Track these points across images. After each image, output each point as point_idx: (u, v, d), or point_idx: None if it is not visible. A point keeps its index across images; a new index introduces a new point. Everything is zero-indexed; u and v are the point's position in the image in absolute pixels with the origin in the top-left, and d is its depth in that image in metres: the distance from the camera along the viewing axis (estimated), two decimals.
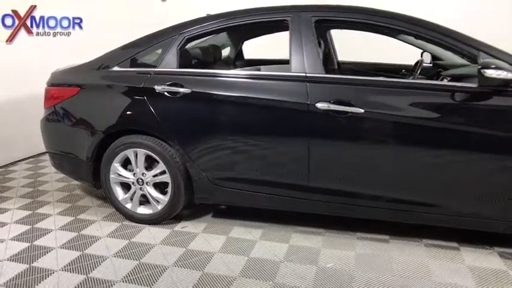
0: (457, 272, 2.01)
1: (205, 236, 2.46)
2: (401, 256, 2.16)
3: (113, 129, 2.51)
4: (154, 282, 2.00)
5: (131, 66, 2.54)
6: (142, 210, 2.63)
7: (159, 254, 2.27)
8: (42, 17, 4.28)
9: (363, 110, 2.05)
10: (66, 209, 2.90)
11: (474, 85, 1.92)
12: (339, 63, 3.56)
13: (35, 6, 4.18)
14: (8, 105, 3.96)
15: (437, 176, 2.05)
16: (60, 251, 2.33)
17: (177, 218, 2.67)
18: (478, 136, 1.96)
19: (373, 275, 1.99)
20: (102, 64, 2.61)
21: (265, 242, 2.36)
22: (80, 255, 2.27)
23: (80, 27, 4.66)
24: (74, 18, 4.60)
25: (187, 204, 2.60)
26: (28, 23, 4.14)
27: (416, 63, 2.78)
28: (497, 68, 1.81)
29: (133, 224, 2.65)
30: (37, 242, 2.43)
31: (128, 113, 2.48)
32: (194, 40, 2.52)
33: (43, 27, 4.30)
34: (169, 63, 2.44)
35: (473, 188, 2.03)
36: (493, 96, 1.92)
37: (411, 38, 2.42)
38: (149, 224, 2.62)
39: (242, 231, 2.51)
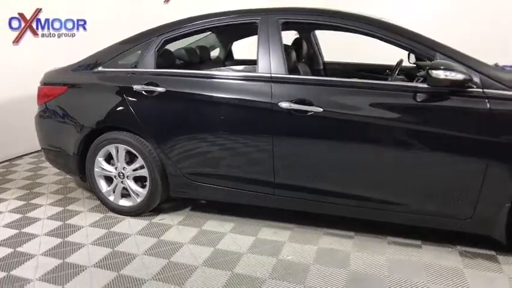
0: (412, 268, 2.07)
1: (179, 228, 2.59)
2: (363, 253, 2.22)
3: (95, 126, 2.68)
4: (122, 268, 2.15)
5: (113, 67, 2.69)
6: (124, 202, 2.78)
7: (132, 243, 2.42)
8: (47, 20, 4.51)
9: (321, 109, 2.13)
10: (57, 200, 3.09)
11: (425, 85, 1.97)
12: (324, 63, 3.63)
13: (41, 9, 4.42)
14: (14, 102, 4.21)
15: (396, 174, 2.12)
16: (44, 237, 2.51)
17: (158, 211, 2.81)
18: (432, 136, 2.00)
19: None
20: (87, 64, 2.78)
21: (233, 235, 2.48)
22: (61, 243, 2.44)
23: (84, 28, 4.88)
24: (78, 20, 4.81)
25: (166, 198, 2.74)
26: (34, 25, 4.38)
27: (397, 63, 2.83)
28: (446, 69, 1.86)
29: (116, 215, 2.80)
30: (25, 230, 2.62)
31: (110, 110, 2.64)
32: (172, 42, 2.65)
33: (48, 29, 4.53)
34: (147, 63, 2.58)
35: (431, 187, 2.08)
36: (445, 96, 1.96)
37: None
38: (130, 216, 2.77)
39: (215, 224, 2.62)
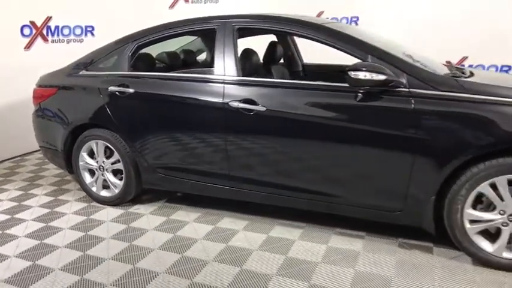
0: (348, 258, 2.22)
1: (150, 217, 2.85)
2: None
3: (78, 123, 2.98)
4: (89, 248, 2.43)
5: (94, 70, 2.99)
6: (104, 193, 3.07)
7: (104, 228, 2.70)
8: (57, 26, 4.92)
9: (264, 108, 2.32)
10: (51, 191, 3.43)
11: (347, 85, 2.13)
12: (303, 65, 3.78)
13: (51, 17, 4.83)
14: (26, 103, 4.61)
15: (330, 168, 2.27)
16: (31, 222, 2.83)
17: (137, 202, 3.08)
18: (360, 133, 2.14)
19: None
20: (74, 68, 3.09)
21: (195, 224, 2.70)
22: (44, 226, 2.75)
23: (92, 34, 5.27)
24: (86, 27, 5.21)
25: (141, 190, 3.01)
26: (44, 31, 4.80)
27: None
28: (366, 70, 2.00)
29: (98, 204, 3.10)
30: (16, 215, 2.95)
31: (90, 110, 2.93)
32: (144, 47, 2.91)
33: (58, 35, 4.94)
34: (122, 67, 2.86)
35: (363, 181, 2.22)
36: (373, 95, 2.10)
37: None
38: (110, 205, 3.06)
39: (183, 214, 2.86)
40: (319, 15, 5.66)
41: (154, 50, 3.46)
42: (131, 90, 2.74)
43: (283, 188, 2.41)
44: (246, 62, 2.71)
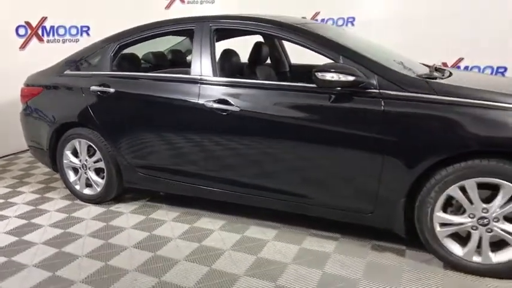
0: (318, 260, 2.21)
1: (130, 216, 2.87)
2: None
3: (62, 122, 3.01)
4: (65, 245, 2.46)
5: (78, 70, 3.02)
6: (87, 191, 3.10)
7: (83, 226, 2.72)
8: (52, 27, 4.98)
9: (238, 109, 2.33)
10: (38, 189, 3.48)
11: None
12: (290, 66, 3.77)
13: (46, 17, 4.90)
14: (19, 103, 4.68)
15: (301, 169, 2.27)
16: (13, 219, 2.87)
17: (120, 200, 3.11)
18: (331, 134, 2.13)
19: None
20: (59, 67, 3.13)
21: (173, 223, 2.72)
22: (25, 223, 2.79)
23: (88, 34, 5.32)
24: (82, 27, 5.27)
25: (123, 189, 3.03)
26: (39, 32, 4.86)
27: None
28: (334, 71, 1.99)
29: (81, 203, 3.13)
30: (1, 212, 3.00)
31: (73, 109, 2.96)
32: (126, 47, 2.93)
33: (53, 35, 5.00)
34: (104, 67, 2.89)
35: (334, 182, 2.21)
36: (343, 96, 2.09)
37: None
38: (93, 203, 3.09)
39: (162, 213, 2.88)
40: (315, 15, 5.67)
41: (143, 50, 3.51)
42: (112, 90, 2.76)
43: (257, 188, 2.41)
44: (225, 62, 2.71)
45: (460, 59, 5.16)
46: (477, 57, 5.02)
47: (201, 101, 2.44)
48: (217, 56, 2.63)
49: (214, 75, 2.48)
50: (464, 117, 1.90)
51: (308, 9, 5.65)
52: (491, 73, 5.08)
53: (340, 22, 5.62)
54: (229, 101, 2.35)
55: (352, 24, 5.55)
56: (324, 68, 2.03)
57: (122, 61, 2.98)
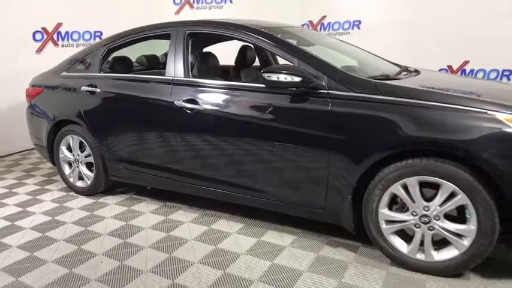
0: (272, 252, 2.32)
1: (114, 206, 3.08)
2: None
3: (58, 119, 3.28)
4: (48, 231, 2.69)
5: (73, 72, 3.28)
6: (80, 183, 3.35)
7: (70, 215, 2.96)
8: (67, 32, 5.35)
9: (203, 108, 2.48)
10: (41, 181, 3.78)
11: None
12: None
13: (61, 23, 5.27)
14: None
15: (256, 165, 2.38)
16: (11, 207, 3.16)
17: (110, 193, 3.33)
18: (282, 132, 2.24)
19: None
20: (57, 69, 3.41)
21: (149, 215, 2.90)
22: (20, 211, 3.07)
23: (100, 39, 5.64)
24: (95, 32, 5.61)
25: (111, 183, 3.25)
26: (55, 37, 5.24)
27: None
28: (280, 72, 2.11)
29: (75, 194, 3.39)
30: (3, 201, 3.30)
31: (67, 107, 3.22)
32: (114, 51, 3.17)
33: (68, 40, 5.37)
34: (94, 68, 3.13)
35: (288, 178, 2.31)
36: (293, 96, 2.20)
37: None
38: (84, 195, 3.34)
39: (143, 206, 3.07)
40: (321, 19, 5.75)
41: (138, 53, 3.74)
42: (98, 90, 3.00)
43: (219, 183, 2.56)
44: (202, 64, 2.87)
45: (466, 62, 5.08)
46: (483, 60, 4.94)
47: (172, 100, 2.61)
48: None
49: (186, 76, 2.65)
50: (400, 116, 1.96)
51: (315, 13, 5.73)
52: (497, 76, 4.99)
53: (346, 26, 5.67)
54: (196, 100, 2.51)
55: (358, 28, 5.59)
56: (271, 69, 2.14)
57: (110, 63, 3.22)
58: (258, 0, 5.94)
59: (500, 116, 1.81)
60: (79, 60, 3.27)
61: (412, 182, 1.97)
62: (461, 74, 5.14)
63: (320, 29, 5.75)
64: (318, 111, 2.14)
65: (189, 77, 2.65)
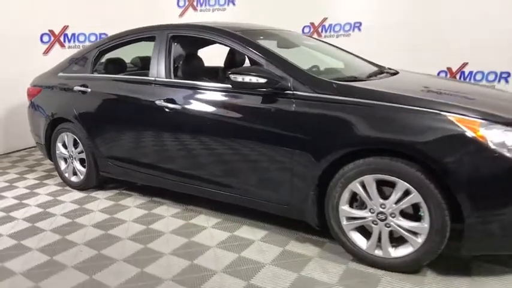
0: (241, 246, 2.42)
1: (102, 201, 3.24)
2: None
3: (54, 117, 3.47)
4: (38, 221, 2.87)
5: (69, 72, 3.47)
6: (74, 178, 3.54)
7: (61, 207, 3.14)
8: (73, 34, 5.59)
9: (180, 107, 2.61)
10: (40, 176, 3.99)
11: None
12: None
13: (68, 26, 5.51)
14: None
15: (225, 161, 2.50)
16: (10, 199, 3.36)
17: (102, 188, 3.50)
18: (249, 131, 2.36)
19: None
20: (55, 70, 3.60)
21: (134, 209, 3.05)
22: (17, 203, 3.27)
23: None
24: (100, 34, 5.81)
25: (102, 178, 3.41)
26: (61, 39, 5.49)
27: None
28: (245, 73, 2.21)
29: (69, 188, 3.57)
30: (2, 194, 3.51)
31: (62, 106, 3.41)
32: (105, 53, 3.33)
33: (74, 41, 5.60)
34: (87, 69, 3.30)
35: (255, 175, 2.41)
36: (260, 96, 2.31)
37: None
38: (78, 190, 3.51)
39: (130, 201, 3.22)
40: (323, 21, 5.82)
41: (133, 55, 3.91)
42: (89, 90, 3.17)
43: (194, 178, 2.68)
44: (185, 66, 3.00)
45: (465, 64, 5.08)
46: (481, 62, 4.93)
47: (153, 100, 2.75)
48: None
49: (167, 77, 2.78)
50: (356, 116, 2.04)
51: (316, 15, 5.81)
52: (495, 78, 4.98)
53: (347, 27, 5.72)
54: (175, 99, 2.65)
55: (359, 30, 5.64)
56: (237, 71, 2.25)
57: (104, 64, 3.39)
58: (260, 2, 6.05)
59: (451, 116, 1.86)
60: (74, 61, 3.45)
61: (369, 180, 2.04)
62: (460, 76, 5.14)
63: (321, 31, 5.83)
64: (283, 111, 2.24)
65: (170, 78, 2.79)
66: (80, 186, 3.49)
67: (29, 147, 5.22)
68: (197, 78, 2.86)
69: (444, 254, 2.02)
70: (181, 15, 6.58)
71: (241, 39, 2.52)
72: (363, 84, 2.24)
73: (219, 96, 2.51)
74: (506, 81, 4.85)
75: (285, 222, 2.57)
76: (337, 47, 3.41)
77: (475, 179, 1.82)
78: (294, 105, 2.20)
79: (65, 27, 5.49)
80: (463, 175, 1.82)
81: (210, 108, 2.52)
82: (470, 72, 5.11)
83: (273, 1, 5.87)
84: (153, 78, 2.81)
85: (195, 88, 2.61)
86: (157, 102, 2.72)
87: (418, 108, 1.92)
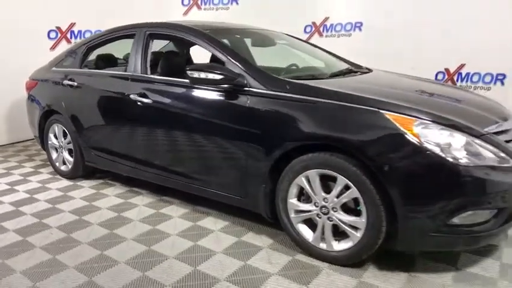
0: (200, 235, 2.53)
1: (86, 189, 3.43)
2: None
3: (46, 109, 3.68)
4: (22, 206, 3.08)
5: (60, 67, 3.67)
6: (63, 168, 3.74)
7: (46, 194, 3.34)
8: (80, 31, 5.84)
9: (151, 101, 2.75)
10: (36, 165, 4.22)
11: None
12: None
13: (75, 23, 5.77)
14: None
15: (188, 154, 2.63)
16: (2, 185, 3.60)
17: (89, 177, 3.68)
18: (206, 125, 2.48)
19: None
20: (50, 64, 3.82)
21: (113, 198, 3.21)
22: (8, 189, 3.49)
23: None
24: None
25: (88, 168, 3.60)
26: (68, 35, 5.75)
27: None
28: (201, 70, 2.31)
29: (60, 177, 3.78)
30: None
31: (53, 99, 3.62)
32: (93, 49, 3.51)
33: (80, 38, 5.85)
34: (76, 64, 3.49)
35: (214, 168, 2.52)
36: (218, 92, 2.42)
37: None
38: (67, 178, 3.72)
39: (111, 190, 3.39)
40: (324, 20, 5.87)
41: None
42: (75, 83, 3.36)
43: (161, 169, 2.82)
44: (164, 62, 3.13)
45: (462, 65, 5.04)
46: (478, 63, 4.89)
47: (128, 94, 2.90)
48: None
49: (142, 72, 2.92)
50: (300, 113, 2.12)
51: (318, 15, 5.86)
52: (491, 80, 4.92)
53: (348, 27, 5.75)
54: (147, 94, 2.79)
55: (360, 30, 5.66)
56: (194, 67, 2.36)
57: (95, 60, 3.57)
58: (263, 2, 6.14)
59: (388, 114, 1.91)
60: (66, 56, 3.66)
61: (313, 174, 2.11)
62: (458, 77, 5.09)
63: (323, 31, 5.88)
64: (239, 107, 2.33)
65: (146, 74, 2.93)
66: (68, 175, 3.70)
67: (33, 138, 5.50)
68: (173, 75, 2.99)
69: (390, 251, 2.08)
70: (185, 13, 6.76)
71: (205, 37, 2.63)
72: (315, 83, 2.30)
73: (185, 92, 2.63)
74: (502, 83, 4.77)
75: (246, 214, 2.67)
76: (320, 47, 3.47)
77: (407, 177, 1.86)
78: (248, 101, 2.29)
79: (72, 24, 5.74)
80: (395, 172, 1.87)
81: (176, 103, 2.65)
82: (468, 74, 5.06)
83: (275, 0, 5.95)
84: (130, 74, 2.96)
85: (165, 83, 2.75)
86: (131, 96, 2.87)
87: (357, 106, 1.98)
